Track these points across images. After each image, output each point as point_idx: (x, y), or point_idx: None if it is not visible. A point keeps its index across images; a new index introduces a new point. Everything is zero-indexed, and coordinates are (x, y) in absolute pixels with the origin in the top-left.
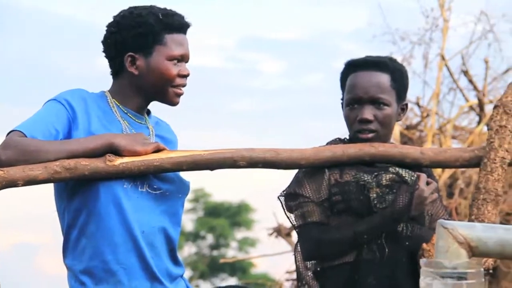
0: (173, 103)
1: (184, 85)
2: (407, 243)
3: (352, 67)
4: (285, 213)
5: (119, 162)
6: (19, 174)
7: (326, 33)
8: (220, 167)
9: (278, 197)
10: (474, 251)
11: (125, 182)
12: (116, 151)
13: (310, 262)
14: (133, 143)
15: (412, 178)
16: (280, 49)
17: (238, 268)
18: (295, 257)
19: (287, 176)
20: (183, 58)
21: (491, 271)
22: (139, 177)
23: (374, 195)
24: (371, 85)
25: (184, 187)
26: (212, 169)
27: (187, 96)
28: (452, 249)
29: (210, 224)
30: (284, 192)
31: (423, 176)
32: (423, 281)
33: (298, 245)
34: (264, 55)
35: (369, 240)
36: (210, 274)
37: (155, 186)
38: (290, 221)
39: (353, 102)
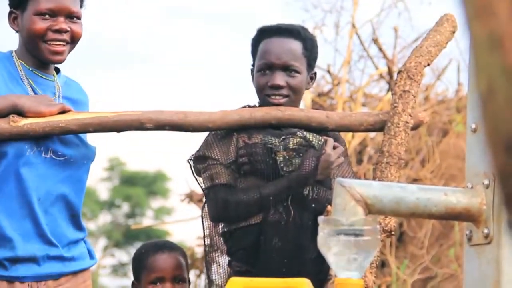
0: (51, 61)
1: (60, 40)
2: (313, 205)
3: (265, 33)
4: (194, 176)
5: (23, 123)
6: None
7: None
8: (127, 129)
9: (188, 160)
10: (371, 209)
11: (28, 149)
12: (20, 113)
13: (219, 224)
14: (38, 104)
15: (319, 142)
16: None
17: (153, 237)
18: (202, 219)
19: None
20: (56, 13)
21: (393, 233)
22: (43, 143)
23: (281, 158)
24: (284, 52)
25: (89, 153)
26: (118, 131)
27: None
28: (349, 206)
29: (126, 193)
30: (193, 156)
31: (330, 141)
32: (320, 238)
33: (205, 207)
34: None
35: (275, 202)
36: (125, 242)
37: (59, 153)
38: (198, 184)
39: (265, 68)
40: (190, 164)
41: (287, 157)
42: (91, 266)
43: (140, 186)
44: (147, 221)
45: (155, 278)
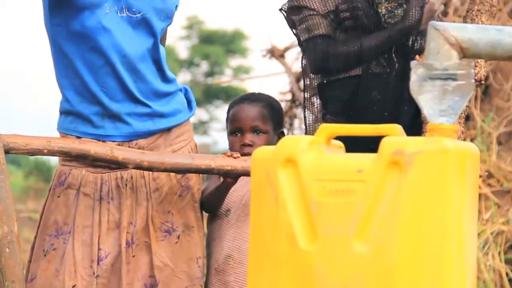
0: None
1: None
2: (417, 56)
3: None
4: (289, 28)
5: None
6: None
7: None
8: None
9: (280, 10)
10: (465, 53)
11: (107, 7)
12: None
13: (316, 76)
14: None
15: None
16: None
17: (232, 95)
18: (302, 73)
19: (282, 2)
20: None
21: (483, 82)
22: (117, 1)
23: (384, 10)
24: None
25: (165, 8)
26: None
27: None
28: (443, 50)
29: (205, 52)
30: (287, 6)
31: None
32: (413, 82)
33: (304, 60)
34: None
35: (376, 55)
36: (204, 101)
37: (134, 9)
38: (295, 35)
39: None
40: (283, 15)
41: (389, 8)
42: (185, 120)
43: (218, 44)
44: (225, 79)
45: (234, 129)
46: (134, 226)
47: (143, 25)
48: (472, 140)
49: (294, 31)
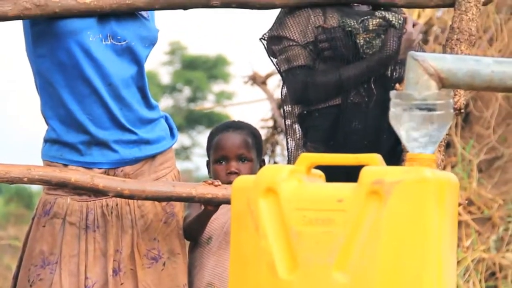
0: None
1: None
2: (396, 85)
3: None
4: (269, 57)
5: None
6: None
7: None
8: (194, 6)
9: (260, 39)
10: (444, 83)
11: (90, 35)
12: None
13: (297, 106)
14: None
15: (399, 21)
16: None
17: (215, 121)
18: (282, 101)
19: (264, 31)
20: None
21: (462, 111)
22: (103, 28)
23: (362, 41)
24: None
25: (151, 36)
26: (185, 8)
27: None
28: (422, 80)
29: (187, 77)
30: (267, 36)
31: (410, 18)
32: (392, 112)
33: (284, 90)
34: None
35: (356, 84)
36: (187, 126)
37: (118, 37)
38: (275, 65)
39: None
40: (263, 44)
41: (367, 39)
42: (169, 147)
43: (201, 70)
44: (208, 105)
45: (219, 157)
46: (121, 254)
47: (128, 53)
48: (452, 167)
49: (274, 60)
